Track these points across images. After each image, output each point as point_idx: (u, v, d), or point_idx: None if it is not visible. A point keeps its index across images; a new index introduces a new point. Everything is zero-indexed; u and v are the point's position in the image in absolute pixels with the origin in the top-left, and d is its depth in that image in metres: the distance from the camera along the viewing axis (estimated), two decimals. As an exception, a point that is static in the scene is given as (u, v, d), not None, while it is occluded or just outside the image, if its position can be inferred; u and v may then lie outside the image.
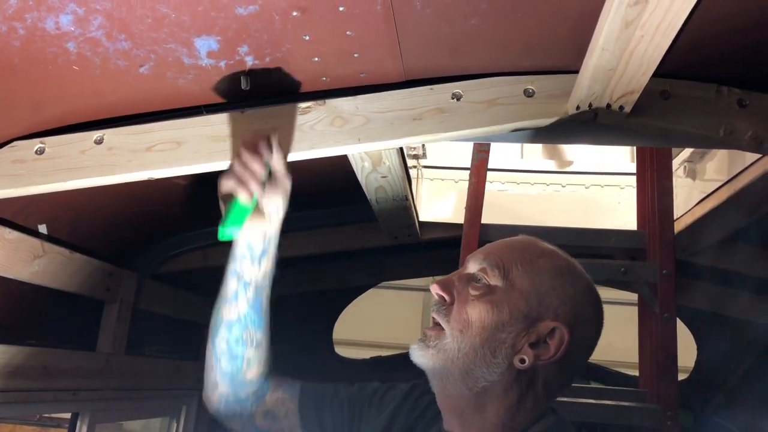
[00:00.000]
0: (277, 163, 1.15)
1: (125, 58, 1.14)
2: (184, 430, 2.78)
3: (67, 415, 2.12)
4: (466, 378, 0.95)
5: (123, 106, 1.34)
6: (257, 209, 1.14)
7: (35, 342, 1.82)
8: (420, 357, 0.99)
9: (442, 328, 0.98)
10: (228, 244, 1.16)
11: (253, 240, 1.15)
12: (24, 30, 1.03)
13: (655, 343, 1.99)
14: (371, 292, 3.55)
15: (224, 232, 1.10)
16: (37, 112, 1.32)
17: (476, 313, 0.95)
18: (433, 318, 1.01)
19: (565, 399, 1.91)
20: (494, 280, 0.97)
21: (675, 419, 1.84)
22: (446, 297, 0.99)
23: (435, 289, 1.01)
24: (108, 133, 1.33)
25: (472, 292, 0.97)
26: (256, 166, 1.11)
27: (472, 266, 1.01)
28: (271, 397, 1.20)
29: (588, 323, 0.98)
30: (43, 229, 1.75)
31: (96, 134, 1.33)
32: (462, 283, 1.00)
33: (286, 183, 1.16)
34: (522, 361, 0.94)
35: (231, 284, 1.17)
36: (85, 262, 1.95)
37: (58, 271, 1.83)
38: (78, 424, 2.07)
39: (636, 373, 2.27)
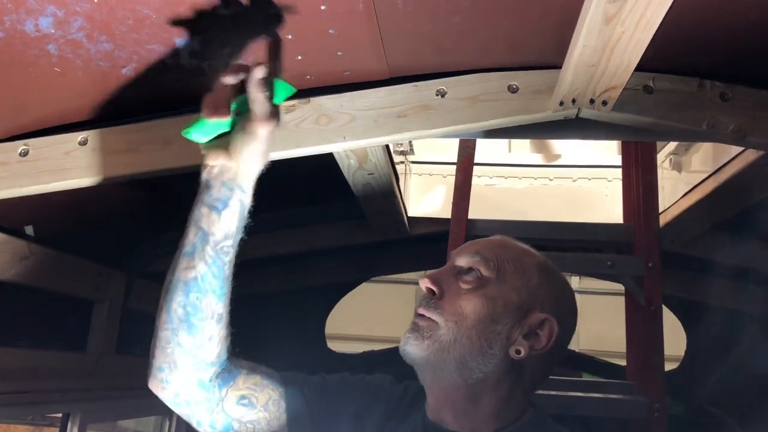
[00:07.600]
0: (255, 97, 0.97)
1: (107, 59, 1.14)
2: (176, 427, 2.78)
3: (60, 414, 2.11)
4: (461, 368, 0.97)
5: (107, 107, 1.33)
6: (224, 141, 1.02)
7: (24, 344, 1.81)
8: (415, 347, 0.99)
9: (434, 321, 0.99)
10: None
11: (213, 180, 1.01)
12: (3, 33, 1.02)
13: (642, 336, 2.00)
14: (363, 286, 3.54)
15: (187, 132, 1.02)
16: (20, 114, 1.31)
17: (471, 305, 0.98)
18: (421, 313, 1.01)
19: (555, 393, 1.92)
20: (487, 273, 1.00)
21: (662, 411, 1.86)
22: (436, 290, 1.01)
23: (425, 283, 1.02)
24: (92, 134, 1.32)
25: (464, 286, 1.00)
26: (228, 83, 1.00)
27: (463, 260, 1.03)
28: (246, 382, 1.07)
29: (569, 315, 1.04)
30: (29, 230, 1.74)
31: (80, 135, 1.32)
32: (451, 277, 1.02)
33: (261, 126, 0.98)
34: (518, 351, 0.97)
35: (189, 234, 1.01)
36: (73, 263, 1.94)
37: (45, 272, 1.82)
38: (69, 424, 2.06)
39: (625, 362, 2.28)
